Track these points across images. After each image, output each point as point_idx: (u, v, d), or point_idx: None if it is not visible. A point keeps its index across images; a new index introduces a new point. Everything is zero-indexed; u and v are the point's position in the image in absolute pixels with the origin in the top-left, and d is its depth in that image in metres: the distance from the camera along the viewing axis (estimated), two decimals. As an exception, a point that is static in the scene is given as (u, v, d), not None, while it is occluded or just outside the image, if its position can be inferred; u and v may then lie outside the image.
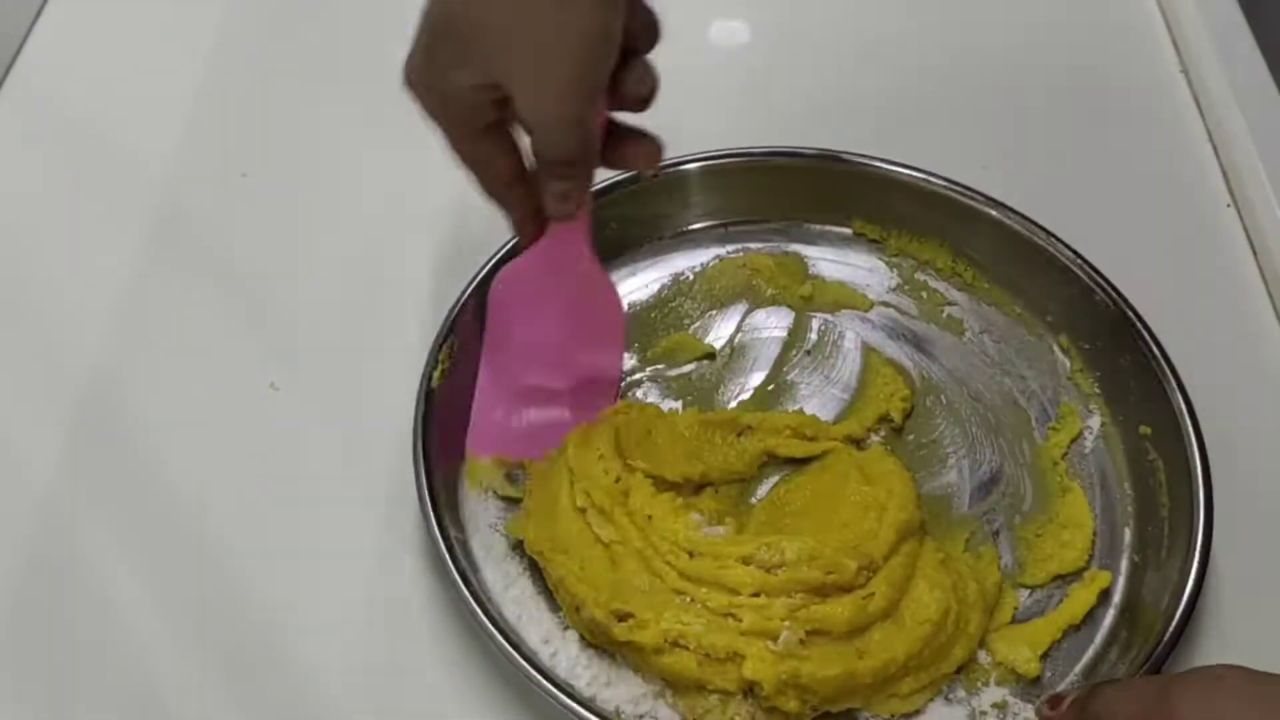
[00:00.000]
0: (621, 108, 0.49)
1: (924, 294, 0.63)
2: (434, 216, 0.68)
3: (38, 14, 0.78)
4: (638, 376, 0.61)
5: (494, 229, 0.60)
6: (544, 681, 0.47)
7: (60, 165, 0.71)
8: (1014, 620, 0.52)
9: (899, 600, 0.50)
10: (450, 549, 0.51)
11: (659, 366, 0.61)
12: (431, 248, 0.66)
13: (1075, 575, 0.53)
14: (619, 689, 0.50)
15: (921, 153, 0.64)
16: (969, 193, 0.62)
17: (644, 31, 0.48)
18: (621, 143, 0.50)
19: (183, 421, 0.60)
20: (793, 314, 0.63)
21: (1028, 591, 0.53)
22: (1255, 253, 0.67)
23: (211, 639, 0.53)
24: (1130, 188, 0.71)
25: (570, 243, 0.53)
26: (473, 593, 0.49)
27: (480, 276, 0.59)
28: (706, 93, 0.75)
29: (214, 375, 0.62)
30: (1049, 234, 0.60)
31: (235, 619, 0.54)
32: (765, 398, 0.60)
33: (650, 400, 0.60)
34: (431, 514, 0.51)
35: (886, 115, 0.72)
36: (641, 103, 0.48)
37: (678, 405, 0.60)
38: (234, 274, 0.66)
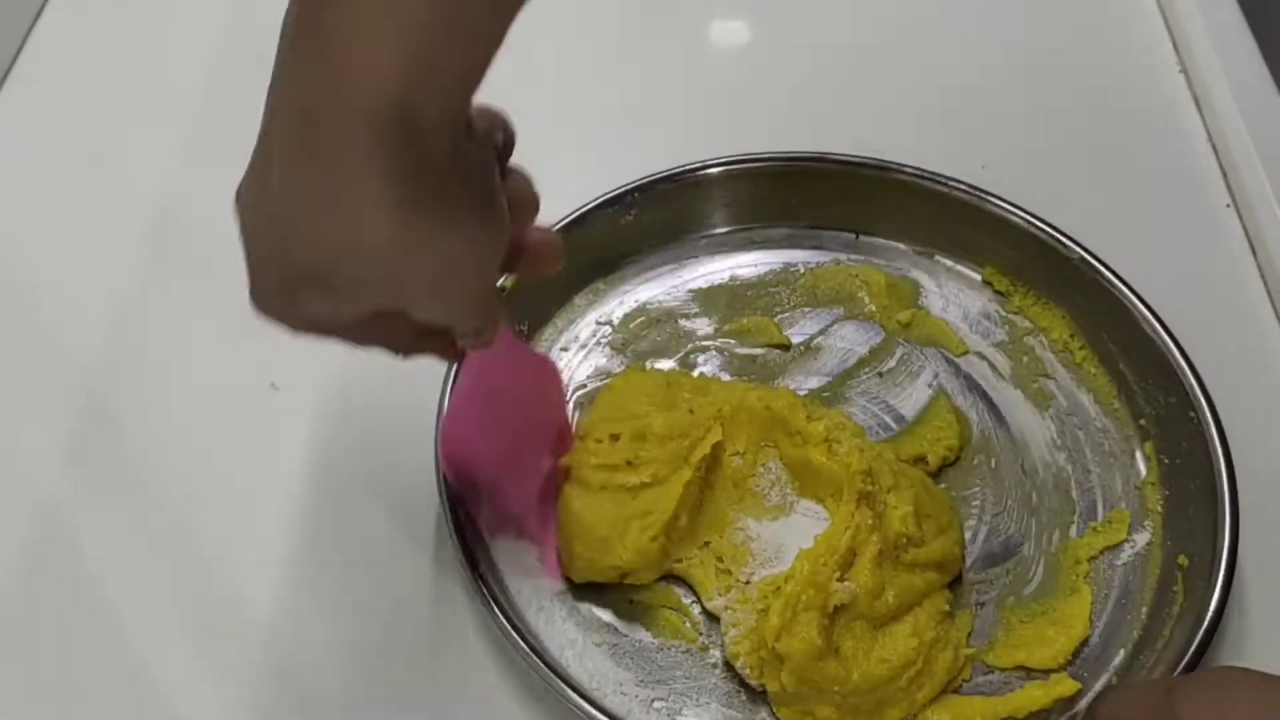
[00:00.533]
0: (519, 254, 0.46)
1: (1025, 358, 0.61)
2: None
3: (38, 14, 0.78)
4: (705, 344, 0.61)
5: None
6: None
7: (60, 165, 0.71)
8: (955, 691, 0.50)
9: (889, 620, 0.50)
10: (471, 559, 0.51)
11: (729, 341, 0.62)
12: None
13: (1042, 674, 0.50)
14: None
15: (921, 152, 0.64)
16: (1105, 274, 0.60)
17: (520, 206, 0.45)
18: (517, 258, 0.46)
19: (183, 421, 0.60)
20: (883, 335, 0.62)
21: (985, 670, 0.51)
22: (1255, 253, 0.67)
23: (212, 640, 0.53)
24: (1130, 187, 0.71)
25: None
26: (493, 596, 0.49)
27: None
28: (706, 93, 0.75)
29: (214, 375, 0.62)
30: (1171, 337, 0.57)
31: (236, 620, 0.54)
32: (817, 401, 0.59)
33: (705, 371, 0.60)
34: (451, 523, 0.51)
35: (886, 115, 0.72)
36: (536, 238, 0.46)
37: (721, 376, 0.60)
38: (234, 274, 0.66)
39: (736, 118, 0.73)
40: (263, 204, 0.41)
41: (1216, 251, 0.67)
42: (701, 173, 0.64)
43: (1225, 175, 0.70)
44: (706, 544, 0.53)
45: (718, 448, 0.54)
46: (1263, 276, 0.66)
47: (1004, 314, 0.63)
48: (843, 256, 0.65)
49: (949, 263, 0.64)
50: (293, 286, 0.40)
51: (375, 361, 0.61)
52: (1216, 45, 0.74)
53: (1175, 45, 0.77)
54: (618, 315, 0.63)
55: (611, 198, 0.62)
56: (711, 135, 0.71)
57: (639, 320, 0.63)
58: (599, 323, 0.63)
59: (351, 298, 0.39)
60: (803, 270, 0.64)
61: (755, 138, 0.68)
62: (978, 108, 0.74)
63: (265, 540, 0.56)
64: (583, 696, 0.47)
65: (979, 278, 0.64)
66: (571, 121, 0.73)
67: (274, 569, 0.55)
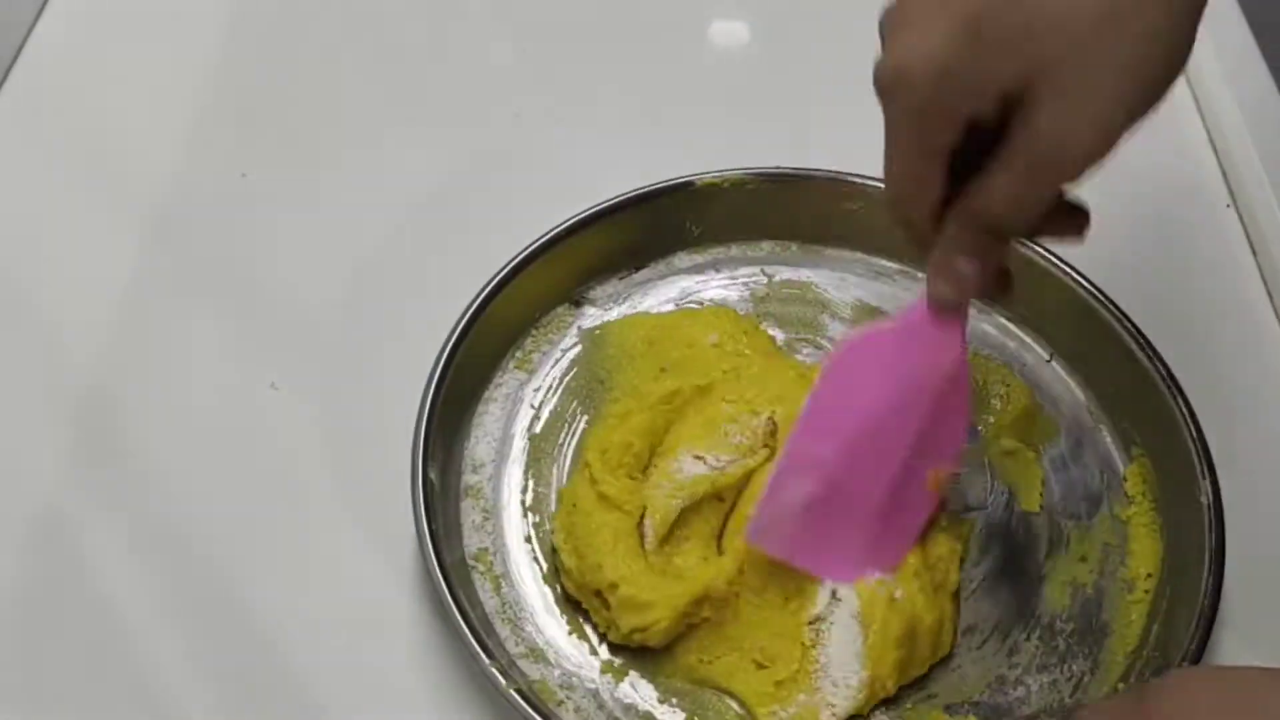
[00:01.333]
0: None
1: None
2: (435, 215, 0.68)
3: (38, 14, 0.78)
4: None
5: (494, 229, 0.61)
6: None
7: (60, 165, 0.71)
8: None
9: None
10: (449, 582, 0.50)
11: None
12: (433, 247, 0.66)
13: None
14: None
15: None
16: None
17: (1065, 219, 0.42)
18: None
19: (183, 421, 0.60)
20: None
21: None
22: (1255, 253, 0.67)
23: (213, 641, 0.53)
24: (1130, 188, 0.71)
25: (956, 335, 0.46)
26: (468, 623, 0.48)
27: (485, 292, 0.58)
28: (706, 94, 0.75)
29: (214, 375, 0.62)
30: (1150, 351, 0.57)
31: (237, 620, 0.54)
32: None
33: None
34: (430, 544, 0.50)
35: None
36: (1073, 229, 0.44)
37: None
38: (234, 274, 0.66)
39: (737, 119, 0.73)
40: None
41: (1216, 251, 0.67)
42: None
43: (1225, 175, 0.70)
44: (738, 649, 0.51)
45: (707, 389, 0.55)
46: (1263, 276, 0.66)
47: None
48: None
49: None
50: (968, 35, 0.38)
51: (375, 360, 0.62)
52: (1217, 45, 0.74)
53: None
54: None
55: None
56: (713, 136, 0.71)
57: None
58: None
59: (1021, 54, 0.37)
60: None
61: (756, 139, 0.68)
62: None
63: (265, 540, 0.56)
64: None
65: None
66: (572, 122, 0.73)
67: (274, 568, 0.55)
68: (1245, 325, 0.64)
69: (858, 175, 0.62)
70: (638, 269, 0.64)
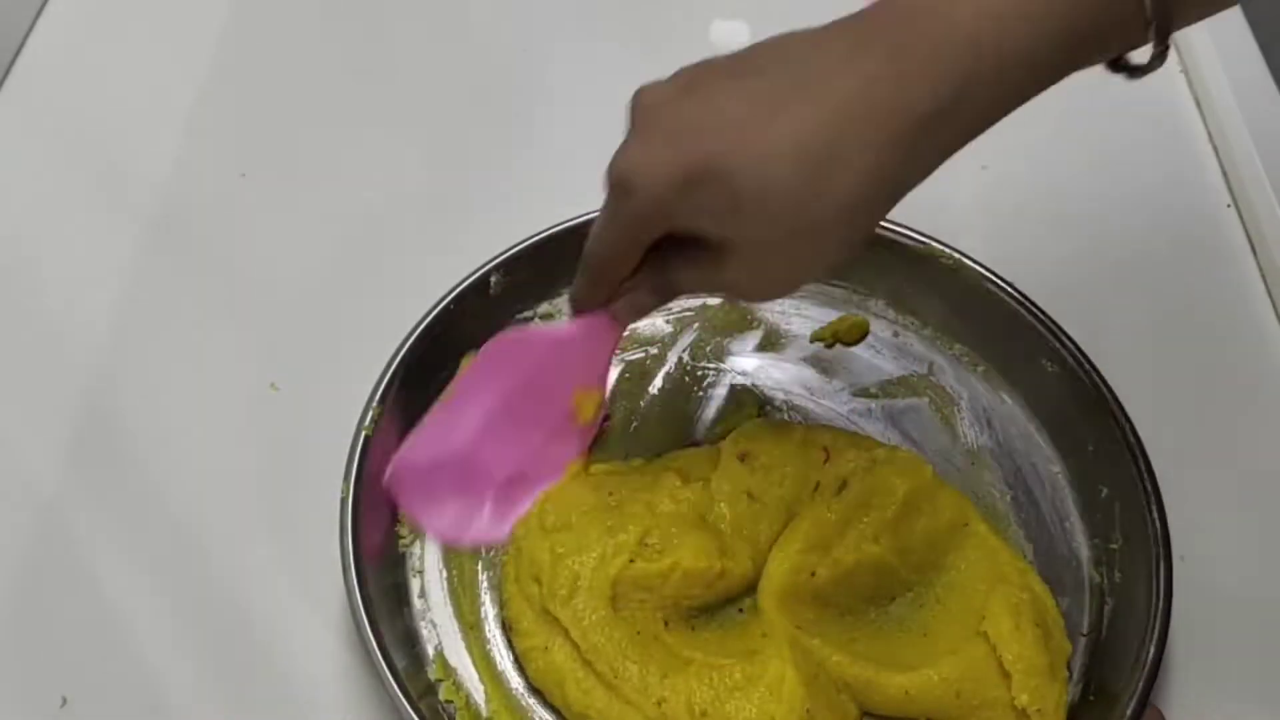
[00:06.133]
0: None
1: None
2: (434, 216, 0.68)
3: (38, 14, 0.78)
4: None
5: (493, 229, 0.61)
6: None
7: (60, 165, 0.71)
8: None
9: None
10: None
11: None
12: (434, 246, 0.66)
13: None
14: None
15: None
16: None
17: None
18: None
19: (183, 421, 0.60)
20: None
21: None
22: (1255, 253, 0.67)
23: (213, 640, 0.53)
24: (1130, 188, 0.71)
25: (604, 350, 0.52)
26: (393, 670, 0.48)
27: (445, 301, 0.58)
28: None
29: (214, 375, 0.62)
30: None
31: (237, 619, 0.54)
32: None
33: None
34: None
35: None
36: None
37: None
38: (234, 274, 0.66)
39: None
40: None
41: (1217, 251, 0.68)
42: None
43: (1225, 175, 0.70)
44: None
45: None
46: (1263, 276, 0.66)
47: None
48: None
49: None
50: (691, 182, 0.42)
51: (375, 361, 0.62)
52: (1217, 45, 0.74)
53: (1176, 45, 0.77)
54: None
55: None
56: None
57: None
58: None
59: (729, 220, 0.42)
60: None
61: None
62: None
63: (265, 540, 0.56)
64: None
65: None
66: (572, 122, 0.73)
67: (274, 568, 0.55)
68: (1245, 325, 0.64)
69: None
70: None
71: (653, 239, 0.45)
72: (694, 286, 0.47)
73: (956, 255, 0.58)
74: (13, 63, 0.75)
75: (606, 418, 0.57)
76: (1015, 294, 0.58)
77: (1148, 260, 0.66)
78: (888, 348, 0.61)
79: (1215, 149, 0.72)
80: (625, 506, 0.52)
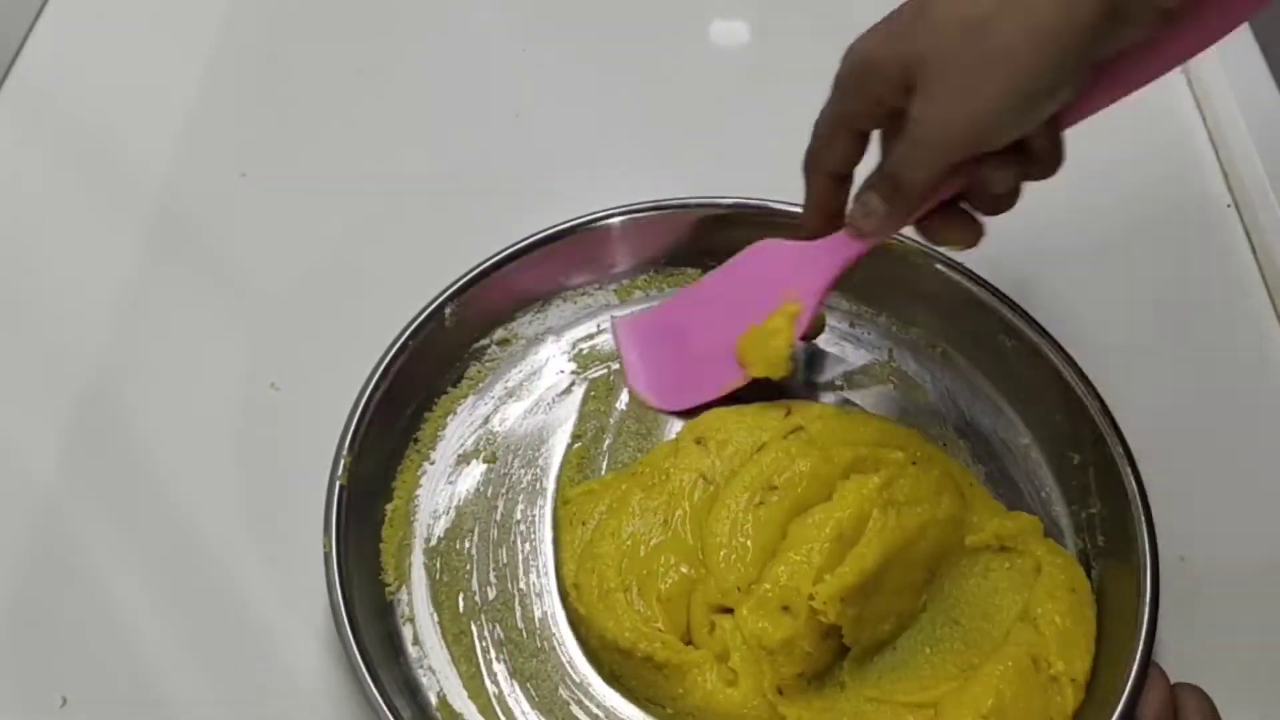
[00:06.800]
0: (968, 197, 0.49)
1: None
2: (434, 216, 0.68)
3: (38, 14, 0.78)
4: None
5: (492, 229, 0.61)
6: None
7: (60, 165, 0.71)
8: None
9: None
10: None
11: None
12: (435, 246, 0.66)
13: None
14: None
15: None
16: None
17: (1044, 155, 0.47)
18: (946, 215, 0.49)
19: (183, 421, 0.60)
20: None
21: None
22: (1255, 253, 0.67)
23: (213, 640, 0.53)
24: (1130, 188, 0.71)
25: (828, 262, 0.53)
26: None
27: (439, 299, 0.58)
28: (706, 94, 0.75)
29: (214, 375, 0.62)
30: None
31: (237, 619, 0.54)
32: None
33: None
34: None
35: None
36: (992, 201, 0.48)
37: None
38: (234, 274, 0.66)
39: (736, 118, 0.73)
40: None
41: (1216, 251, 0.68)
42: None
43: (1225, 175, 0.70)
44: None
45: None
46: (1263, 276, 0.66)
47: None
48: None
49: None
50: (902, 22, 0.45)
51: (375, 360, 0.62)
52: (1217, 45, 0.74)
53: (1175, 45, 0.77)
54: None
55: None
56: (712, 136, 0.71)
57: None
58: None
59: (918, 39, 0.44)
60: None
61: (756, 139, 0.68)
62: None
63: (265, 539, 0.56)
64: None
65: None
66: (572, 122, 0.73)
67: (274, 568, 0.55)
68: (1245, 325, 0.64)
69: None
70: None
71: (862, 104, 0.47)
72: (905, 158, 0.46)
73: (900, 240, 0.58)
74: (13, 63, 0.76)
75: (805, 337, 0.57)
76: (965, 272, 0.58)
77: (1148, 260, 0.66)
78: (847, 339, 0.61)
79: (1215, 149, 0.72)
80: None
